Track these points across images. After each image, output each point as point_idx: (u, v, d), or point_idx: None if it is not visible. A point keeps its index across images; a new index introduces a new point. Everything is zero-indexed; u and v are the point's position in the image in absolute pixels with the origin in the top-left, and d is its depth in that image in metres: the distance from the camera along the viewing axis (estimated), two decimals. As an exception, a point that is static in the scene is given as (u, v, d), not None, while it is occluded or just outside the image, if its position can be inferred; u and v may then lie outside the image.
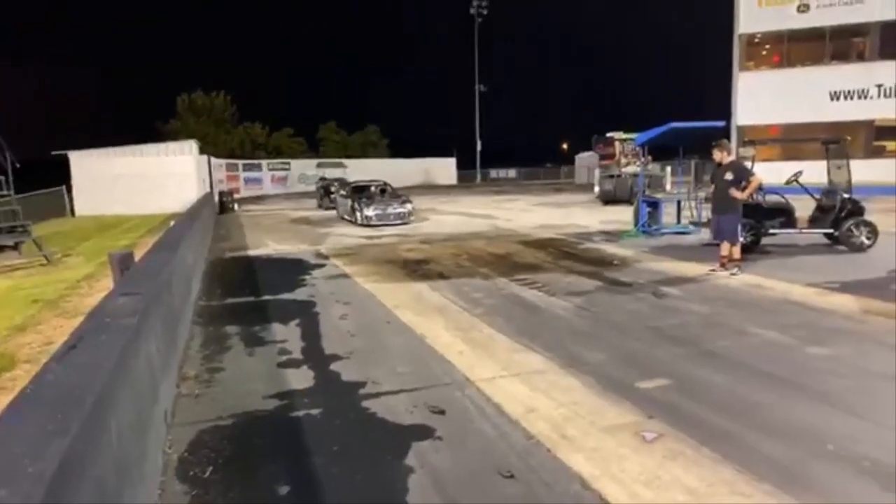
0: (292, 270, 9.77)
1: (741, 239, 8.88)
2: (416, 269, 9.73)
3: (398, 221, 16.52)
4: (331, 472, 3.26)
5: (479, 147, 52.78)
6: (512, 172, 56.39)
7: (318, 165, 34.20)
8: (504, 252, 11.16)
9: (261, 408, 4.17)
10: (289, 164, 43.47)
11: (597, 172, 25.74)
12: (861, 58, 30.51)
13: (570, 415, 3.89)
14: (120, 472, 2.36)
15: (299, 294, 7.96)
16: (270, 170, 41.95)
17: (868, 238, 10.04)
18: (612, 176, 23.19)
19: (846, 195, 10.17)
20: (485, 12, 51.19)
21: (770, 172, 11.23)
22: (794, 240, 10.87)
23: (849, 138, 12.06)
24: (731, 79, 32.18)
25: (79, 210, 24.10)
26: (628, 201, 19.27)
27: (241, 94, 52.92)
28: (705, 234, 10.71)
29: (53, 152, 25.03)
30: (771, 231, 10.30)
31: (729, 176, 8.41)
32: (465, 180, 50.59)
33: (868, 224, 10.09)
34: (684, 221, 13.19)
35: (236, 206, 24.80)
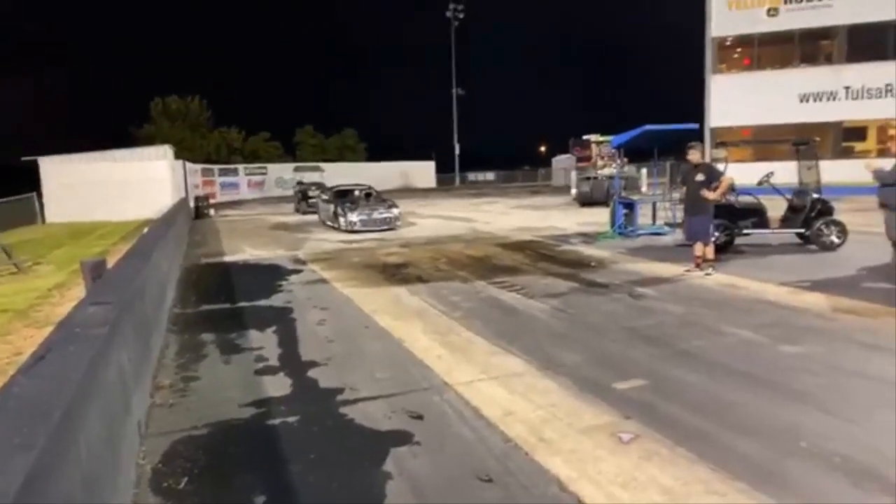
0: (269, 276, 9.68)
1: (714, 239, 9.01)
2: (394, 273, 9.70)
3: (384, 227, 15.86)
4: (307, 480, 3.23)
5: (457, 150, 52.93)
6: (490, 175, 56.66)
7: (296, 169, 34.00)
8: (482, 255, 11.18)
9: (237, 416, 4.12)
10: (265, 168, 43.17)
11: (573, 175, 25.97)
12: (829, 60, 31.24)
13: (548, 417, 3.90)
14: (90, 486, 2.31)
15: (276, 300, 7.89)
16: (247, 174, 41.60)
17: (838, 237, 10.25)
18: (588, 178, 23.41)
19: (816, 195, 10.39)
20: (461, 16, 51.38)
21: (742, 173, 11.41)
22: (767, 239, 11.06)
23: (818, 139, 12.30)
24: (703, 81, 32.69)
25: (50, 217, 23.64)
26: (605, 203, 19.46)
27: (217, 98, 52.63)
28: (680, 235, 10.85)
29: (23, 158, 24.53)
30: (744, 231, 10.48)
31: (700, 177, 8.53)
32: (444, 183, 50.70)
33: (838, 223, 10.31)
34: (660, 222, 13.36)
35: (212, 212, 24.54)
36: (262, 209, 27.96)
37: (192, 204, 23.91)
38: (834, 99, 30.41)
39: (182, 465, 3.41)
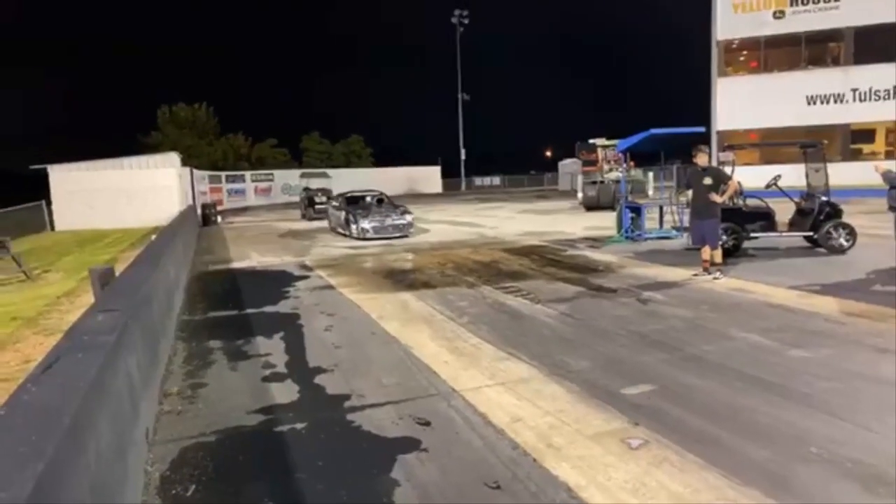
0: (276, 283, 9.70)
1: (722, 243, 8.97)
2: (401, 278, 9.70)
3: (397, 234, 15.29)
4: (315, 488, 3.22)
5: (463, 155, 52.97)
6: (496, 180, 56.62)
7: (302, 176, 34.04)
8: (489, 260, 11.17)
9: (245, 423, 4.12)
10: (272, 174, 43.27)
11: (580, 179, 25.93)
12: (836, 62, 31.10)
13: (556, 423, 3.89)
14: (98, 493, 2.32)
15: (283, 306, 7.90)
16: (254, 181, 41.72)
17: (847, 240, 10.19)
18: (594, 182, 23.36)
19: (824, 198, 10.33)
20: (466, 22, 51.50)
21: (750, 176, 11.38)
22: (775, 243, 11.00)
23: (826, 142, 12.24)
24: (709, 84, 32.61)
25: (59, 224, 23.79)
26: (611, 207, 19.40)
27: (224, 105, 52.84)
28: (687, 239, 10.80)
29: (32, 166, 24.72)
30: (752, 235, 10.43)
31: (708, 181, 8.50)
32: (450, 188, 50.69)
33: (846, 226, 10.24)
34: (667, 226, 13.31)
35: (219, 219, 24.62)
36: (268, 216, 28.05)
37: (199, 211, 24.00)
38: (841, 101, 30.25)
39: (190, 472, 3.41)
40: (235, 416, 4.23)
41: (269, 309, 7.78)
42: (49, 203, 24.18)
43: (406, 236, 15.32)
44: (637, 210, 13.37)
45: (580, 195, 24.41)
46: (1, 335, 7.01)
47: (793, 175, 11.42)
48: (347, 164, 51.52)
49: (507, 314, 6.99)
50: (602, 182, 23.02)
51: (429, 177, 50.04)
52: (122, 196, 23.68)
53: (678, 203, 12.88)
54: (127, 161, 26.86)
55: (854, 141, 30.76)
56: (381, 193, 18.55)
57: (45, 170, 24.44)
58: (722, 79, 32.16)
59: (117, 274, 5.66)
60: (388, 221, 15.43)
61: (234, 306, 8.03)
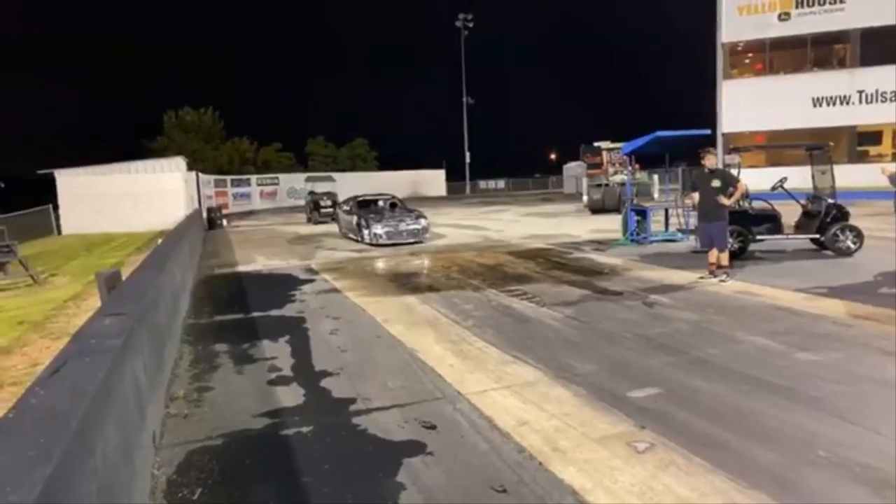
0: (282, 286, 9.72)
1: (729, 245, 8.94)
2: (406, 282, 9.71)
3: (411, 239, 14.63)
4: (322, 491, 3.22)
5: (467, 159, 52.98)
6: (501, 183, 56.57)
7: (307, 179, 34.13)
8: (494, 263, 11.17)
9: (251, 427, 4.13)
10: (277, 178, 43.38)
11: (585, 182, 25.85)
12: (842, 64, 30.98)
13: (562, 426, 3.88)
14: (105, 496, 2.32)
15: (289, 310, 7.91)
16: (259, 185, 41.83)
17: (854, 242, 10.14)
18: (600, 185, 23.31)
19: (831, 200, 10.28)
20: (471, 25, 51.56)
21: (756, 179, 11.34)
22: (782, 245, 10.96)
23: (832, 144, 12.19)
24: (715, 87, 32.55)
25: (66, 228, 23.92)
26: (616, 210, 19.37)
27: (229, 109, 52.94)
28: (693, 242, 10.77)
29: (39, 171, 24.86)
30: (758, 237, 10.39)
31: (716, 183, 8.48)
32: (455, 192, 50.70)
33: (853, 228, 10.19)
34: (672, 229, 13.28)
35: (225, 222, 24.70)
36: (273, 219, 28.12)
37: (204, 215, 24.08)
38: (848, 103, 30.12)
39: (197, 475, 3.42)
40: (241, 419, 4.23)
41: (274, 312, 7.79)
42: (56, 207, 24.32)
43: (421, 242, 14.67)
44: (642, 213, 13.34)
45: (585, 198, 24.36)
46: (8, 339, 7.05)
47: (799, 177, 11.38)
48: (352, 168, 51.59)
49: (512, 317, 6.98)
50: (607, 185, 22.96)
51: (433, 180, 50.05)
52: (129, 200, 23.80)
53: (684, 205, 12.85)
54: (133, 165, 26.99)
55: (860, 143, 30.63)
56: (394, 197, 17.94)
57: (52, 174, 24.58)
58: (727, 81, 32.08)
59: (124, 278, 5.67)
60: (403, 227, 14.75)
61: (240, 310, 8.05)
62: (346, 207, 17.44)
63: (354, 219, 15.75)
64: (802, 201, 10.92)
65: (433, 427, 3.96)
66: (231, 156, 49.56)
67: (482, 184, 55.60)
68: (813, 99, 30.50)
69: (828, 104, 30.43)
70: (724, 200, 8.39)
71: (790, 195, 10.64)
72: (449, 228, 18.93)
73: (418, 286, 9.20)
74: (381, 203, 17.18)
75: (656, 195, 21.89)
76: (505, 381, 4.80)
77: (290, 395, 4.70)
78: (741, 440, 3.58)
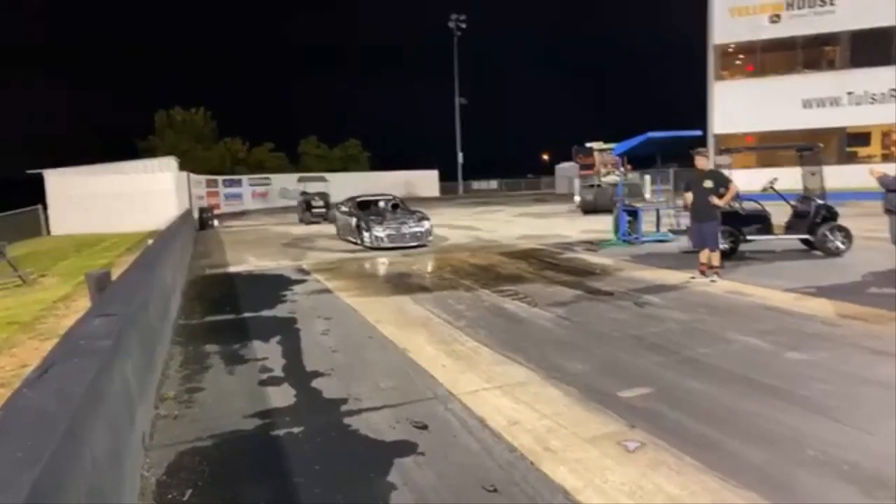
0: (273, 287, 9.69)
1: (721, 246, 8.99)
2: (398, 282, 9.70)
3: (414, 243, 13.83)
4: (312, 492, 3.21)
5: (460, 159, 52.99)
6: (494, 183, 56.59)
7: (299, 180, 33.92)
8: (486, 263, 11.18)
9: (241, 427, 4.11)
10: (269, 179, 43.23)
11: (577, 182, 25.92)
12: (832, 66, 31.21)
13: (554, 426, 3.88)
14: (95, 498, 2.31)
15: (280, 310, 7.89)
16: (251, 185, 41.66)
17: (843, 243, 10.22)
18: (592, 186, 23.36)
19: (821, 201, 10.36)
20: (463, 26, 51.56)
21: (747, 180, 11.40)
22: (772, 246, 11.02)
23: (822, 145, 12.28)
24: (706, 88, 32.71)
25: (55, 229, 23.74)
26: (609, 210, 19.41)
27: (221, 109, 52.67)
28: (684, 242, 10.82)
29: (28, 171, 24.67)
30: (748, 238, 10.45)
31: (708, 184, 8.52)
32: (448, 192, 50.67)
33: (843, 229, 10.28)
34: (664, 229, 13.33)
35: (216, 223, 24.59)
36: (266, 220, 28.03)
37: (196, 215, 23.98)
38: (837, 104, 30.34)
39: (187, 476, 3.40)
40: (232, 420, 4.22)
41: (266, 313, 7.77)
42: (45, 207, 24.14)
43: (424, 245, 13.93)
44: (634, 213, 13.39)
45: (577, 198, 24.43)
46: (-3, 340, 6.99)
47: (789, 178, 11.46)
48: (345, 169, 51.45)
49: (504, 318, 6.99)
50: (599, 185, 23.01)
51: (426, 181, 49.98)
52: (119, 200, 23.65)
53: (675, 206, 12.90)
54: (124, 165, 26.85)
55: (850, 144, 30.86)
56: (395, 197, 17.12)
57: (40, 174, 24.40)
58: (719, 82, 32.24)
59: (114, 278, 5.65)
60: (405, 229, 13.90)
61: (231, 310, 8.02)
62: (344, 208, 16.54)
63: (354, 220, 14.98)
64: (792, 202, 11.00)
65: (425, 427, 3.96)
66: (223, 156, 49.36)
67: (475, 184, 55.61)
68: (803, 100, 30.69)
69: (818, 105, 30.63)
70: (717, 201, 8.44)
71: (780, 196, 10.71)
72: (442, 229, 18.91)
73: (411, 286, 9.19)
74: (381, 204, 16.32)
75: (648, 196, 21.97)
76: (497, 381, 4.80)
77: (281, 396, 4.69)
78: (731, 440, 3.60)
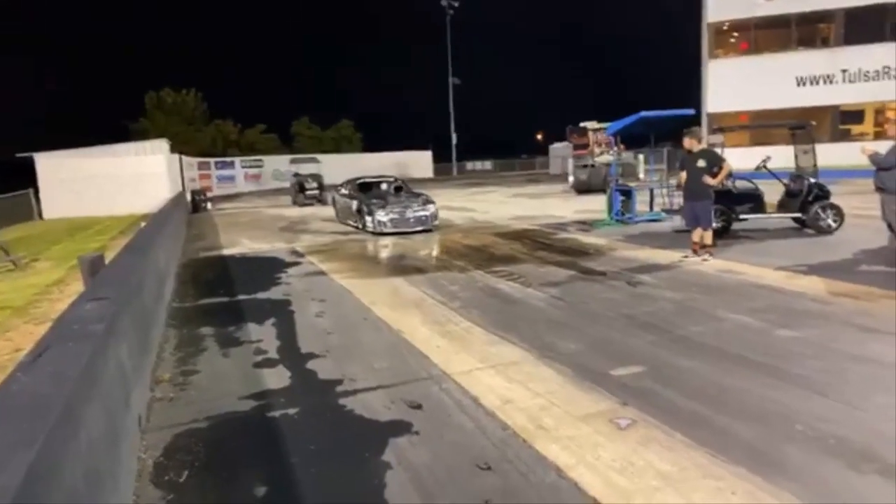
0: (267, 269, 9.69)
1: (713, 224, 9.03)
2: (392, 264, 9.71)
3: (419, 227, 13.11)
4: (308, 472, 3.25)
5: (454, 140, 52.78)
6: (488, 164, 56.49)
7: (292, 161, 33.72)
8: (480, 244, 11.19)
9: (237, 409, 4.14)
10: (262, 160, 42.96)
11: (571, 162, 25.87)
12: (826, 44, 31.13)
13: (546, 405, 3.93)
14: (91, 480, 2.33)
15: (274, 293, 7.90)
16: (243, 167, 41.42)
17: (834, 221, 10.28)
18: (585, 166, 23.33)
19: (813, 179, 10.39)
20: (456, 4, 51.03)
21: (739, 158, 11.39)
22: (764, 224, 11.07)
23: (814, 123, 12.28)
24: (700, 67, 32.59)
25: (47, 213, 23.60)
26: (602, 190, 19.39)
27: (212, 90, 52.17)
28: (677, 222, 10.86)
29: (18, 154, 24.44)
30: (741, 216, 10.49)
31: (702, 163, 8.53)
32: (442, 173, 50.54)
33: (834, 207, 10.33)
34: (657, 209, 13.36)
35: (209, 205, 24.48)
36: (258, 202, 27.93)
37: (188, 198, 23.86)
38: (831, 82, 30.33)
39: (183, 458, 3.43)
40: (227, 402, 4.25)
41: (260, 295, 7.78)
42: (37, 191, 23.96)
43: (430, 230, 13.25)
44: (627, 193, 13.40)
45: (571, 178, 24.41)
46: (-10, 325, 6.98)
47: (782, 157, 11.47)
48: (338, 150, 51.21)
49: (498, 298, 7.02)
50: (593, 165, 22.98)
51: (420, 161, 49.81)
52: (111, 183, 23.49)
53: (668, 185, 12.92)
54: (115, 148, 26.59)
55: (843, 122, 30.88)
56: (398, 179, 16.45)
57: (31, 158, 24.18)
58: (713, 61, 32.15)
59: (107, 262, 5.63)
60: (409, 213, 13.16)
61: (225, 293, 8.02)
62: (343, 191, 15.85)
63: (355, 204, 14.32)
64: (785, 180, 11.02)
65: (419, 407, 4.00)
66: (214, 138, 49.02)
67: (469, 165, 55.49)
68: (797, 78, 30.68)
69: (812, 83, 30.62)
70: (710, 180, 8.45)
71: (773, 174, 10.73)
72: (435, 210, 18.87)
73: (405, 268, 9.21)
74: (384, 186, 15.54)
75: (641, 175, 21.97)
76: (490, 360, 4.84)
77: (276, 378, 4.71)
78: (721, 416, 3.66)
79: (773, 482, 2.91)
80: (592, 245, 10.50)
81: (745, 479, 2.94)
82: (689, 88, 33.63)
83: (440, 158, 52.41)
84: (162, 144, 27.25)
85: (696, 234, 8.69)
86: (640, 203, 13.68)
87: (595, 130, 24.14)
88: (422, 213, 13.33)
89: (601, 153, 23.19)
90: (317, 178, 24.59)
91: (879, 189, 8.11)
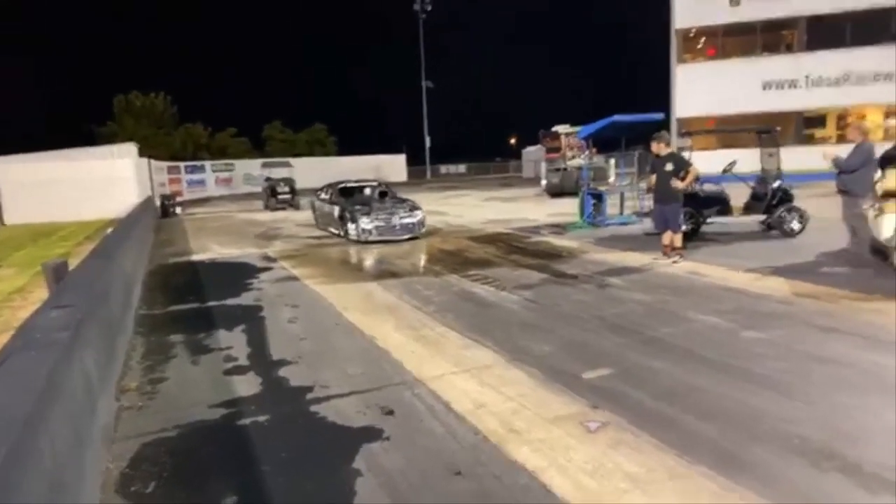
0: (238, 274, 9.57)
1: (682, 227, 9.19)
2: (365, 268, 9.68)
3: (406, 235, 12.41)
4: (279, 480, 3.22)
5: (428, 143, 52.86)
6: (462, 167, 56.74)
7: (264, 165, 33.39)
8: (455, 248, 11.22)
9: (206, 417, 4.08)
10: (233, 164, 42.47)
11: (543, 166, 26.11)
12: (790, 49, 31.90)
13: (518, 408, 3.96)
14: (55, 493, 2.29)
15: (245, 298, 7.81)
16: (214, 171, 40.90)
17: (798, 223, 10.54)
18: (558, 169, 23.55)
19: (777, 183, 10.64)
20: (429, 8, 51.16)
21: (707, 162, 11.61)
22: (731, 227, 11.30)
23: (779, 128, 12.58)
24: (669, 71, 33.14)
25: (9, 219, 22.97)
26: (574, 194, 19.58)
27: (181, 93, 51.34)
28: (648, 224, 11.02)
29: (-23, 159, 23.79)
30: (709, 219, 10.70)
31: (669, 167, 8.67)
32: (416, 176, 50.55)
33: (798, 210, 10.59)
34: (627, 212, 13.54)
35: (179, 210, 24.09)
36: (230, 206, 27.59)
37: (157, 202, 23.47)
38: (795, 87, 31.08)
39: (150, 468, 3.37)
40: (197, 410, 4.19)
41: (231, 301, 7.68)
42: (-2, 196, 23.31)
43: (416, 238, 12.61)
44: (599, 196, 13.57)
45: (544, 182, 24.62)
46: (-50, 334, 6.77)
47: (749, 160, 11.73)
48: (311, 153, 50.84)
49: (472, 302, 7.05)
50: (565, 169, 23.20)
51: (394, 165, 49.68)
52: (77, 188, 22.94)
53: (639, 189, 13.11)
54: (81, 152, 26.09)
55: (807, 126, 31.67)
56: (381, 183, 15.64)
57: (-9, 162, 23.54)
58: (681, 66, 32.69)
59: (72, 268, 5.52)
60: (396, 220, 12.39)
61: (195, 299, 7.91)
62: (324, 196, 14.92)
63: (336, 210, 13.45)
64: (751, 184, 11.27)
65: (391, 413, 3.99)
66: (184, 141, 48.34)
67: (443, 168, 55.65)
68: (762, 83, 31.35)
69: (777, 88, 31.33)
70: (678, 184, 8.59)
71: (739, 178, 10.97)
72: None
73: (379, 272, 9.19)
74: (367, 191, 14.64)
75: (612, 179, 22.22)
76: (463, 364, 4.86)
77: (247, 385, 4.66)
78: (689, 417, 3.72)
79: (738, 482, 2.97)
80: (565, 248, 10.61)
81: (711, 480, 3.00)
82: (661, 92, 34.17)
83: (414, 162, 52.43)
84: (130, 148, 26.78)
85: (667, 237, 8.83)
86: (611, 206, 13.86)
87: (567, 134, 24.43)
88: (409, 219, 12.59)
89: (573, 157, 23.45)
90: (289, 182, 24.38)
91: (842, 192, 8.34)
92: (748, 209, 11.06)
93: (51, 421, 2.41)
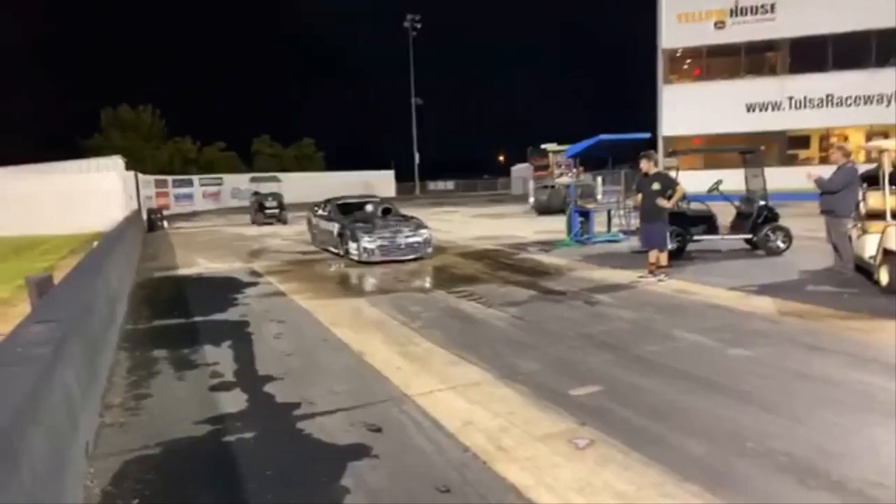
0: (225, 290, 9.50)
1: (669, 246, 9.26)
2: (353, 284, 9.65)
3: (412, 255, 11.66)
4: (265, 498, 3.18)
5: (417, 159, 53.04)
6: (450, 184, 56.87)
7: (252, 180, 33.33)
8: (442, 265, 11.22)
9: (191, 434, 4.03)
10: (221, 179, 42.36)
11: (531, 184, 26.27)
12: (773, 71, 32.49)
13: (506, 425, 3.94)
14: (34, 512, 2.24)
15: (232, 314, 7.75)
16: (202, 185, 40.76)
17: (783, 242, 10.66)
18: (546, 187, 23.69)
19: (763, 202, 10.77)
20: (419, 26, 51.62)
21: (693, 181, 11.75)
22: (717, 245, 11.40)
23: (763, 148, 12.78)
24: (656, 92, 33.61)
25: (-8, 231, 22.69)
26: (562, 211, 19.70)
27: (170, 107, 51.29)
28: (634, 242, 11.10)
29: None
30: (695, 238, 10.79)
31: (656, 186, 8.75)
32: (404, 193, 50.63)
33: (783, 229, 10.72)
34: (614, 230, 13.64)
35: (166, 224, 23.96)
36: (217, 221, 27.47)
37: (144, 216, 23.30)
38: (778, 109, 31.62)
39: (132, 486, 3.32)
40: (181, 427, 4.13)
41: (217, 317, 7.62)
42: (-20, 209, 23.03)
43: (422, 258, 11.82)
44: (586, 214, 13.66)
45: (532, 199, 24.76)
46: (-71, 348, 6.65)
47: (734, 180, 11.88)
48: (299, 168, 50.83)
49: (459, 318, 7.04)
50: (553, 187, 23.35)
51: (382, 181, 49.75)
52: (63, 201, 22.72)
53: (625, 207, 13.21)
54: (67, 165, 25.89)
55: (791, 147, 32.19)
56: (384, 200, 14.78)
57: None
58: (667, 86, 33.17)
59: (56, 282, 5.46)
60: (400, 239, 11.62)
61: (181, 314, 7.84)
62: (321, 212, 14.08)
63: (336, 227, 12.59)
64: (736, 203, 11.41)
65: (378, 430, 3.96)
66: (172, 155, 48.22)
67: (431, 185, 55.76)
68: (747, 104, 31.89)
69: (761, 109, 31.87)
70: (664, 203, 8.67)
71: (725, 197, 11.10)
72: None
73: (367, 289, 9.16)
74: (369, 208, 13.30)
75: (599, 197, 22.38)
76: (451, 381, 4.84)
77: (233, 401, 4.61)
78: (676, 434, 3.72)
79: (727, 498, 2.97)
80: (552, 265, 10.64)
81: (698, 497, 3.00)
82: (649, 112, 34.59)
83: (403, 178, 52.55)
84: (117, 161, 26.60)
85: (653, 255, 8.89)
86: (598, 224, 13.95)
87: (555, 152, 24.60)
88: (414, 238, 11.80)
89: (561, 175, 23.60)
90: (277, 196, 24.36)
91: (825, 212, 8.46)
92: (734, 228, 11.18)
93: (30, 438, 2.37)
